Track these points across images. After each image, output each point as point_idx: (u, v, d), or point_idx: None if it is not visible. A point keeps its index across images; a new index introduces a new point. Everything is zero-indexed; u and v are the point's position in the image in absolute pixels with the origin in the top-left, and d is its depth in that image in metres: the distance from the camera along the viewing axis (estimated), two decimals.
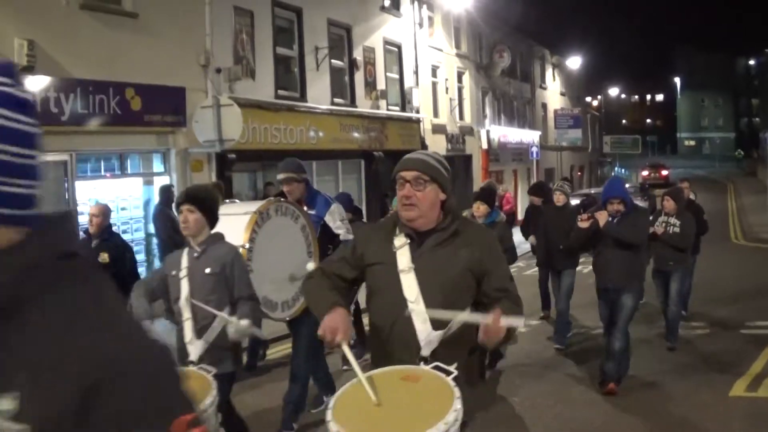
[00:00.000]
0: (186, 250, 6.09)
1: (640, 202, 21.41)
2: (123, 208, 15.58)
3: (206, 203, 6.04)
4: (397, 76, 26.34)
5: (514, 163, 38.11)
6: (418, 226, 4.07)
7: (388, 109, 25.19)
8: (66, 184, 14.08)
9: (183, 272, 5.98)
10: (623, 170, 72.89)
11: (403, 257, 4.04)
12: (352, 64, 23.32)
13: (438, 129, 29.43)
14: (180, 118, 16.01)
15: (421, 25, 27.88)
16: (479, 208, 10.03)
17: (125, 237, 15.03)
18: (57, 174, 13.94)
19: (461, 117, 32.54)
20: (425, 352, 3.87)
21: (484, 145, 34.25)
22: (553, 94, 49.89)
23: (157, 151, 16.28)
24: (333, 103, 22.00)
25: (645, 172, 64.60)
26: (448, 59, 31.08)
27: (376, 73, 24.70)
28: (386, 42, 25.52)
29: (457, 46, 32.51)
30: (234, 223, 6.93)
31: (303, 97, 20.70)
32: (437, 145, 28.68)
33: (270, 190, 17.60)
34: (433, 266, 4.00)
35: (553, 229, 11.97)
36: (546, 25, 43.79)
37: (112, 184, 15.47)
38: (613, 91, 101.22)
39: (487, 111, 35.96)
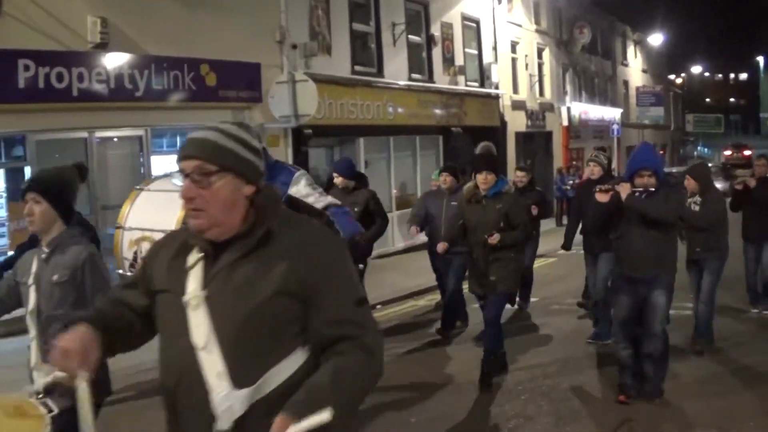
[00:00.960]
0: (37, 252, 4.71)
1: (720, 184, 20.14)
2: None
3: (55, 191, 4.61)
4: (475, 52, 25.51)
5: (595, 141, 36.95)
6: (214, 237, 2.64)
7: (466, 85, 24.40)
8: (141, 159, 14.00)
9: (31, 279, 4.62)
10: (706, 150, 70.82)
11: (194, 281, 2.65)
12: (430, 40, 22.58)
13: (518, 105, 28.53)
14: (255, 93, 15.78)
15: (499, 0, 27.00)
16: (486, 179, 8.27)
17: None
18: (133, 149, 13.89)
19: (541, 93, 31.51)
20: (223, 425, 2.51)
21: (565, 122, 33.24)
22: (634, 71, 48.35)
23: None
24: (411, 79, 21.35)
25: (727, 152, 62.33)
26: (527, 35, 30.11)
27: (454, 48, 23.92)
28: (464, 17, 24.70)
29: (537, 22, 31.43)
30: (161, 201, 5.63)
31: (380, 72, 20.15)
32: (517, 122, 27.93)
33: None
34: (229, 292, 2.58)
35: (588, 207, 9.47)
36: (626, 1, 42.16)
37: None
38: (696, 69, 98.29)
39: (568, 87, 34.88)
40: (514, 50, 28.90)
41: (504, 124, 26.34)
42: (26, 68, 11.61)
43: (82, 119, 12.62)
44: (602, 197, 7.45)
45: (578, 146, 34.71)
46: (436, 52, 22.94)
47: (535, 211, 11.48)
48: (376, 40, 20.23)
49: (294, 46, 16.84)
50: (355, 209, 9.16)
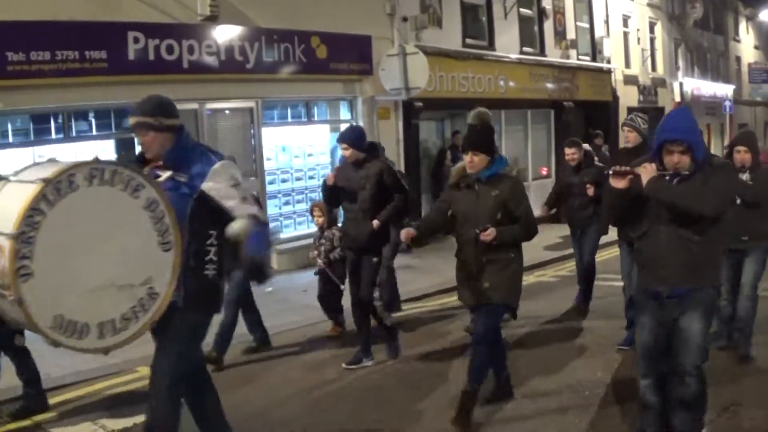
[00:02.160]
0: None
1: None
2: (310, 155, 14.93)
3: None
4: (587, 26, 24.11)
5: (707, 117, 35.11)
6: None
7: (578, 59, 23.05)
8: (252, 130, 13.59)
9: None
10: None
11: None
12: (541, 13, 21.37)
13: (629, 80, 26.99)
14: (366, 66, 15.15)
15: None
16: (473, 161, 6.23)
17: (311, 183, 14.54)
18: (244, 120, 13.54)
19: (653, 68, 29.79)
20: None
21: (677, 98, 31.46)
22: (746, 48, 45.86)
23: (343, 98, 15.42)
24: (522, 53, 20.22)
25: None
26: (639, 9, 28.47)
27: (565, 22, 22.62)
28: None
29: None
30: (15, 195, 4.16)
31: (491, 45, 19.13)
32: (629, 97, 26.50)
33: (457, 138, 16.58)
34: None
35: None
36: None
37: (298, 130, 14.81)
38: None
39: (680, 63, 33.17)
40: (625, 24, 27.34)
41: (616, 98, 25.01)
42: (136, 40, 11.36)
43: (192, 91, 12.24)
44: (618, 182, 5.19)
45: None
46: (548, 26, 21.72)
47: (590, 191, 9.21)
48: (487, 13, 19.20)
49: (405, 19, 16.17)
50: (367, 186, 7.73)
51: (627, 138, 8.27)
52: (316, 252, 9.21)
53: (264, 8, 13.33)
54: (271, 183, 13.78)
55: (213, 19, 12.44)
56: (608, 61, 24.82)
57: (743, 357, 7.58)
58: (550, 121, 21.97)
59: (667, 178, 5.10)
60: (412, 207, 9.81)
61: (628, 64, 27.28)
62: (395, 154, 15.01)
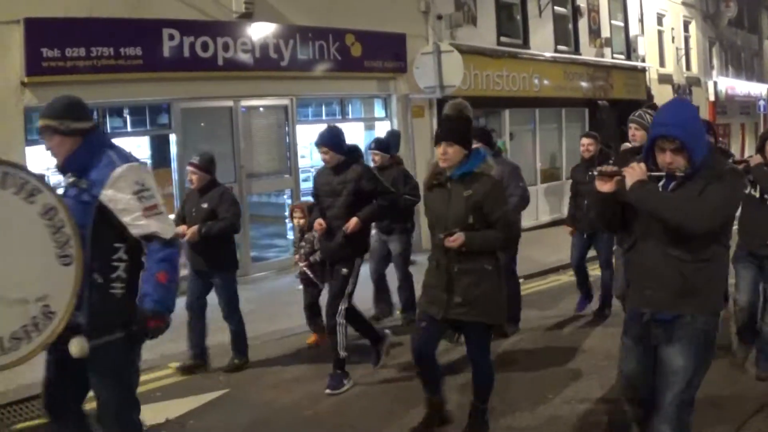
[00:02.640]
0: None
1: None
2: None
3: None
4: (621, 24, 23.65)
5: (741, 117, 34.51)
6: None
7: (612, 58, 22.62)
8: (287, 128, 13.37)
9: None
10: None
11: None
12: (576, 11, 20.95)
13: (664, 79, 26.46)
14: (401, 64, 14.84)
15: None
16: (446, 152, 5.36)
17: None
18: (278, 118, 13.34)
19: (688, 67, 29.22)
20: None
21: (711, 97, 30.86)
22: None
23: (378, 96, 15.15)
24: (556, 51, 19.83)
25: None
26: (673, 7, 27.91)
27: (600, 20, 22.21)
28: None
29: None
30: None
31: (526, 44, 18.76)
32: (663, 96, 25.89)
33: (493, 137, 16.32)
34: None
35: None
36: None
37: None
38: None
39: (714, 62, 32.58)
40: (660, 22, 26.80)
41: (650, 97, 24.47)
42: (171, 37, 11.20)
43: (227, 88, 12.10)
44: (603, 185, 4.34)
45: (725, 122, 32.16)
46: (582, 24, 21.28)
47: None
48: (521, 11, 18.84)
49: (439, 17, 15.86)
50: (343, 192, 7.02)
51: (633, 136, 7.06)
52: (297, 255, 8.61)
53: (299, 6, 13.12)
54: (305, 180, 13.56)
55: (248, 16, 12.26)
56: (643, 60, 24.36)
57: (760, 378, 6.69)
58: (584, 120, 21.50)
59: (662, 182, 4.24)
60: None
61: (662, 63, 26.77)
62: (429, 152, 14.73)
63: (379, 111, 15.37)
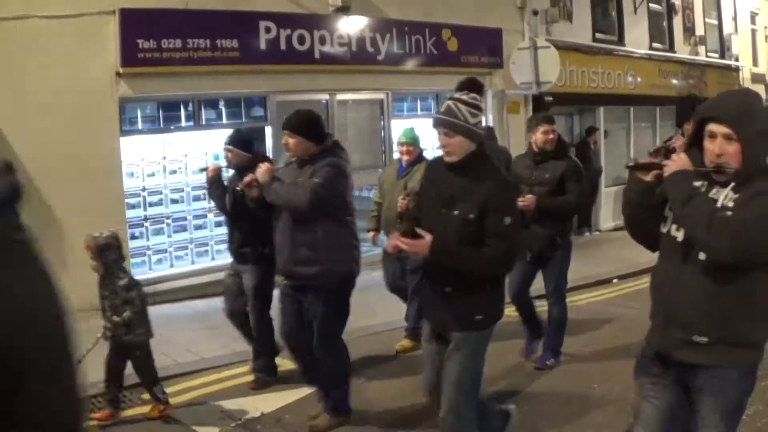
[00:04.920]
0: None
1: None
2: (438, 147, 13.59)
3: None
4: (715, 22, 22.06)
5: None
6: None
7: (707, 56, 21.08)
8: (382, 122, 12.56)
9: None
10: None
11: None
12: (671, 9, 19.49)
13: (757, 78, 24.62)
14: (497, 59, 13.75)
15: None
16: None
17: None
18: (373, 111, 12.50)
19: None
20: None
21: None
22: None
23: None
24: (651, 48, 18.42)
25: None
26: (766, 6, 26.21)
27: (694, 18, 20.73)
28: None
29: None
30: None
31: (621, 41, 17.43)
32: None
33: (594, 136, 15.45)
34: None
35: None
36: None
37: (427, 123, 13.50)
38: None
39: None
40: (753, 21, 25.07)
41: None
42: (267, 30, 10.47)
43: (323, 81, 11.31)
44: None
45: None
46: (677, 22, 19.82)
47: None
48: (616, 8, 17.51)
49: (535, 12, 14.70)
50: None
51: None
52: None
53: (395, 0, 12.29)
54: None
55: (344, 10, 11.45)
56: (736, 59, 22.74)
57: None
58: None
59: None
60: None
61: (755, 62, 25.03)
62: (524, 148, 13.67)
63: None
